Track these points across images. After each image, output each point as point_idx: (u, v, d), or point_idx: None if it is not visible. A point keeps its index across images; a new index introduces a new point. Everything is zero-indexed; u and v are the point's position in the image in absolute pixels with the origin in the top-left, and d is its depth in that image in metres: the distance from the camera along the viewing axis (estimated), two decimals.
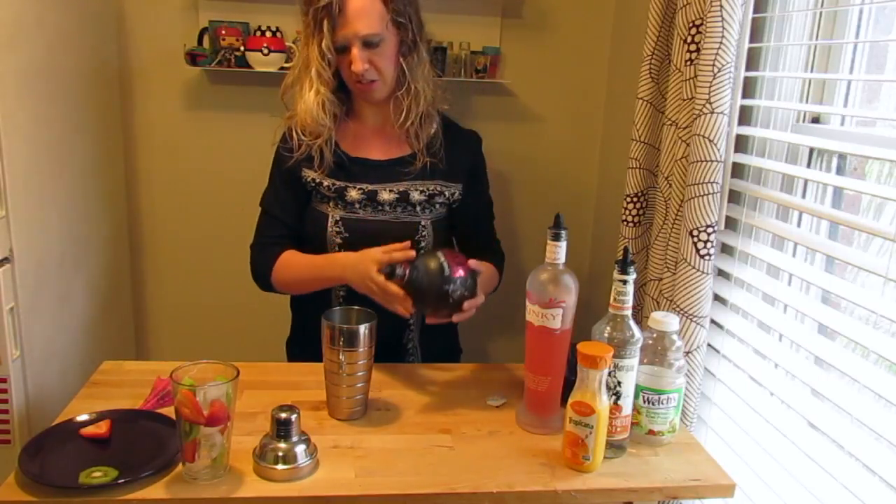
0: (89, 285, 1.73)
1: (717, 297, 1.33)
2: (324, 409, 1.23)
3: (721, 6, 1.16)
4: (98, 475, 0.99)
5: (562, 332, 1.15)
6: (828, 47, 1.20)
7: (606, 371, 1.05)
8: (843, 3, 1.16)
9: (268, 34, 1.82)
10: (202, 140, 1.99)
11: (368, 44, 1.33)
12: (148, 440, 1.09)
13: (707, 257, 1.24)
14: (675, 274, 1.30)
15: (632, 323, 1.11)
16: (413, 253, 1.24)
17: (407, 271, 1.19)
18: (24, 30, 1.37)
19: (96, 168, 1.77)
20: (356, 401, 1.21)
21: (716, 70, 1.18)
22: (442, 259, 1.19)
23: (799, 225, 1.25)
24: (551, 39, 2.02)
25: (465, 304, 1.20)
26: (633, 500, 1.11)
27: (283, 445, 1.03)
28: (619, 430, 1.12)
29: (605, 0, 1.99)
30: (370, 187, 1.42)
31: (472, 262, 1.23)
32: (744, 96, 1.26)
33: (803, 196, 1.24)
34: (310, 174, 1.43)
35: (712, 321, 1.32)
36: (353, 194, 1.41)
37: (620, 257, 1.10)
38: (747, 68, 1.25)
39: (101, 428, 1.11)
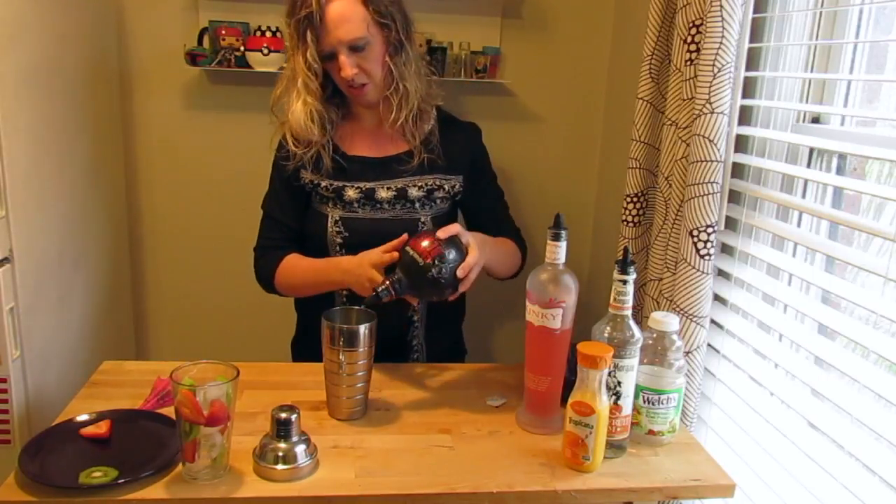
0: (89, 285, 1.73)
1: (717, 297, 1.33)
2: (324, 409, 1.23)
3: (721, 6, 1.16)
4: (98, 475, 0.99)
5: (562, 332, 1.15)
6: (828, 47, 1.20)
7: (606, 371, 1.05)
8: (843, 3, 1.16)
9: (268, 34, 1.82)
10: (202, 140, 1.99)
11: (354, 48, 1.33)
12: (148, 440, 1.09)
13: (707, 257, 1.24)
14: (675, 274, 1.30)
15: (632, 323, 1.11)
16: (396, 255, 1.22)
17: (391, 286, 1.18)
18: (24, 30, 1.37)
19: (96, 168, 1.77)
20: (356, 401, 1.21)
21: (716, 70, 1.18)
22: (412, 254, 1.18)
23: (799, 225, 1.25)
24: (551, 39, 2.02)
25: (460, 273, 1.19)
26: (633, 500, 1.11)
27: (283, 445, 1.03)
28: (619, 430, 1.12)
29: (605, 0, 1.99)
30: (368, 186, 1.42)
31: (444, 231, 1.20)
32: (744, 96, 1.26)
33: (803, 196, 1.24)
34: (308, 176, 1.44)
35: (712, 321, 1.32)
36: (351, 193, 1.42)
37: (620, 257, 1.10)
38: (747, 68, 1.25)
39: (101, 428, 1.11)
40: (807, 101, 1.24)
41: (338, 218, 1.42)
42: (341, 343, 1.16)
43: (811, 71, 1.23)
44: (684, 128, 1.29)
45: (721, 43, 1.17)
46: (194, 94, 1.96)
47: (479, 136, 1.54)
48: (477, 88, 1.99)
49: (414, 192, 1.43)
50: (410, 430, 1.19)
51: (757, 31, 1.26)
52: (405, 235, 1.26)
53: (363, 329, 1.16)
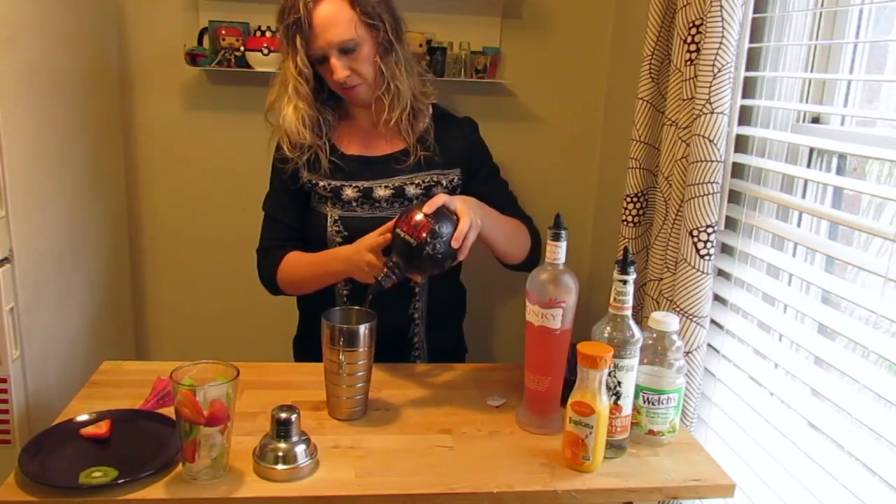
0: (89, 285, 1.73)
1: (717, 297, 1.33)
2: (324, 409, 1.23)
3: (721, 6, 1.16)
4: (98, 475, 0.99)
5: (562, 332, 1.15)
6: (828, 47, 1.20)
7: (606, 371, 1.05)
8: (843, 3, 1.16)
9: (268, 34, 1.82)
10: (202, 140, 1.99)
11: (344, 50, 1.33)
12: (148, 440, 1.09)
13: (707, 257, 1.24)
14: (675, 274, 1.30)
15: (632, 323, 1.11)
16: (390, 236, 1.20)
17: (389, 271, 1.17)
18: (24, 29, 1.37)
19: (96, 168, 1.77)
20: (356, 401, 1.21)
21: (716, 70, 1.18)
22: (402, 236, 1.16)
23: (799, 225, 1.25)
24: (551, 39, 2.02)
25: (454, 244, 1.16)
26: (633, 500, 1.11)
27: (283, 445, 1.03)
28: (619, 430, 1.12)
29: (605, 0, 1.99)
30: (365, 185, 1.42)
31: (429, 206, 1.17)
32: (744, 96, 1.26)
33: (803, 196, 1.24)
34: (306, 176, 1.44)
35: (712, 321, 1.32)
36: (349, 193, 1.42)
37: (620, 257, 1.10)
38: (747, 68, 1.25)
39: (101, 428, 1.11)
40: (807, 101, 1.24)
41: (337, 217, 1.43)
42: (341, 343, 1.16)
43: (811, 71, 1.23)
44: (684, 128, 1.29)
45: (721, 43, 1.17)
46: (194, 94, 1.96)
47: (475, 128, 1.54)
48: (477, 88, 1.99)
49: (412, 190, 1.43)
50: (410, 430, 1.19)
51: (757, 31, 1.26)
52: (396, 218, 1.22)
53: (363, 329, 1.16)
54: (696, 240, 1.24)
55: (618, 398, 1.11)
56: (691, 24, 1.26)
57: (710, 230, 1.23)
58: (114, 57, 1.89)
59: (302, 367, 1.43)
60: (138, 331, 2.10)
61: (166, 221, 2.04)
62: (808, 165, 1.24)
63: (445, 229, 1.16)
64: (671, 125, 1.33)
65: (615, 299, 1.11)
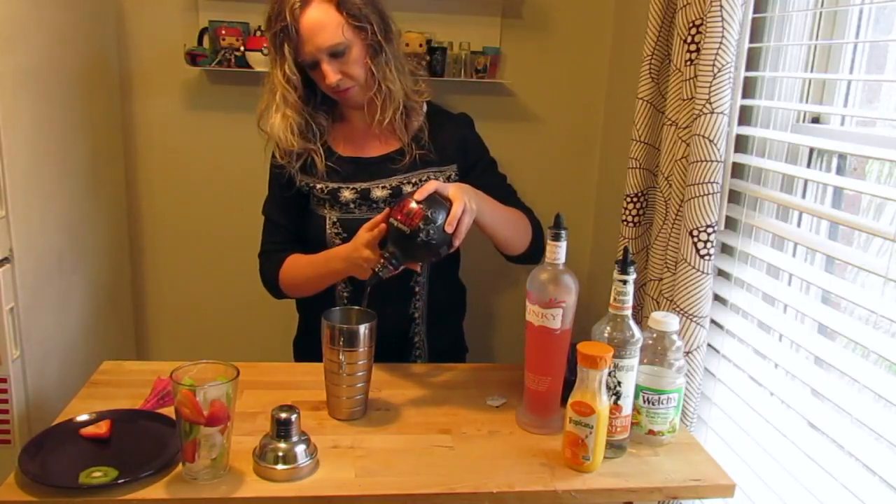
0: (89, 285, 1.73)
1: (717, 297, 1.33)
2: (324, 409, 1.23)
3: (721, 6, 1.16)
4: (98, 475, 0.99)
5: (562, 332, 1.15)
6: (828, 47, 1.20)
7: (606, 371, 1.05)
8: (843, 3, 1.16)
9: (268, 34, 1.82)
10: (202, 140, 1.99)
11: (334, 54, 1.33)
12: (148, 440, 1.09)
13: (707, 257, 1.24)
14: (675, 274, 1.30)
15: (632, 323, 1.11)
16: (384, 227, 1.20)
17: (385, 261, 1.16)
18: (24, 29, 1.37)
19: (96, 168, 1.77)
20: (356, 401, 1.21)
21: (716, 70, 1.18)
22: (396, 225, 1.16)
23: (799, 225, 1.25)
24: (551, 39, 2.02)
25: (448, 228, 1.16)
26: (633, 500, 1.11)
27: (283, 445, 1.03)
28: (619, 430, 1.12)
29: (605, 0, 1.99)
30: (363, 186, 1.42)
31: (420, 192, 1.17)
32: (744, 96, 1.26)
33: (803, 196, 1.24)
34: (303, 180, 1.44)
35: (712, 321, 1.32)
36: (347, 194, 1.42)
37: (620, 257, 1.10)
38: (747, 68, 1.25)
39: (101, 428, 1.11)
40: (807, 101, 1.24)
41: (335, 219, 1.43)
42: (341, 343, 1.16)
43: (811, 71, 1.23)
44: (684, 128, 1.29)
45: (721, 43, 1.17)
46: (194, 94, 1.96)
47: (471, 124, 1.54)
48: (477, 88, 1.99)
49: (408, 190, 1.43)
50: (410, 430, 1.19)
51: (757, 31, 1.26)
52: (388, 209, 1.22)
53: (363, 329, 1.16)
54: (696, 240, 1.24)
55: (618, 398, 1.11)
56: (691, 24, 1.26)
57: (710, 230, 1.23)
58: (114, 57, 1.89)
59: (302, 367, 1.43)
60: (138, 331, 2.10)
61: (166, 221, 2.04)
62: (808, 165, 1.24)
63: (439, 215, 1.15)
64: (671, 125, 1.33)
65: (615, 299, 1.11)
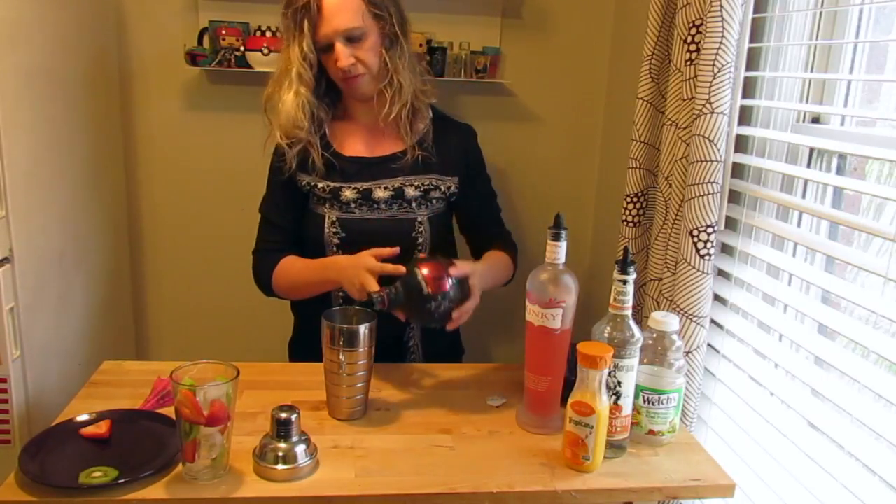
0: (89, 285, 1.73)
1: (717, 297, 1.33)
2: (324, 409, 1.23)
3: (721, 6, 1.16)
4: (98, 475, 0.99)
5: (562, 332, 1.15)
6: (828, 47, 1.20)
7: (606, 371, 1.05)
8: (843, 3, 1.16)
9: (268, 34, 1.82)
10: (202, 140, 1.99)
11: (351, 38, 1.34)
12: (148, 440, 1.09)
13: (707, 257, 1.24)
14: (675, 274, 1.30)
15: (632, 323, 1.11)
16: (403, 269, 1.21)
17: (386, 297, 1.18)
18: (24, 30, 1.37)
19: (96, 168, 1.77)
20: (356, 401, 1.21)
21: (716, 70, 1.18)
22: (419, 278, 1.18)
23: (799, 225, 1.25)
24: (551, 39, 2.02)
25: (455, 314, 1.21)
26: (633, 500, 1.11)
27: (283, 445, 1.03)
28: (619, 430, 1.12)
29: (605, 0, 1.99)
30: (364, 186, 1.42)
31: (457, 270, 1.21)
32: (744, 96, 1.26)
33: (803, 196, 1.24)
34: (304, 178, 1.44)
35: (712, 321, 1.32)
36: (348, 194, 1.42)
37: (620, 257, 1.10)
38: (747, 68, 1.25)
39: (101, 428, 1.11)
40: (807, 101, 1.24)
41: (335, 219, 1.42)
42: (341, 343, 1.16)
43: (811, 71, 1.23)
44: (684, 128, 1.29)
45: (721, 43, 1.17)
46: (194, 94, 1.96)
47: (475, 137, 1.55)
48: (477, 88, 1.99)
49: (411, 192, 1.43)
50: (410, 430, 1.19)
51: (757, 31, 1.26)
52: (398, 262, 1.24)
53: (363, 329, 1.16)
54: (696, 240, 1.24)
55: (618, 398, 1.11)
56: (691, 24, 1.26)
57: (710, 230, 1.23)
58: (114, 57, 1.88)
59: (302, 367, 1.43)
60: (138, 331, 2.10)
61: (166, 221, 2.04)
62: (808, 165, 1.24)
63: (456, 296, 1.21)
64: (671, 125, 1.33)
65: (615, 299, 1.11)
